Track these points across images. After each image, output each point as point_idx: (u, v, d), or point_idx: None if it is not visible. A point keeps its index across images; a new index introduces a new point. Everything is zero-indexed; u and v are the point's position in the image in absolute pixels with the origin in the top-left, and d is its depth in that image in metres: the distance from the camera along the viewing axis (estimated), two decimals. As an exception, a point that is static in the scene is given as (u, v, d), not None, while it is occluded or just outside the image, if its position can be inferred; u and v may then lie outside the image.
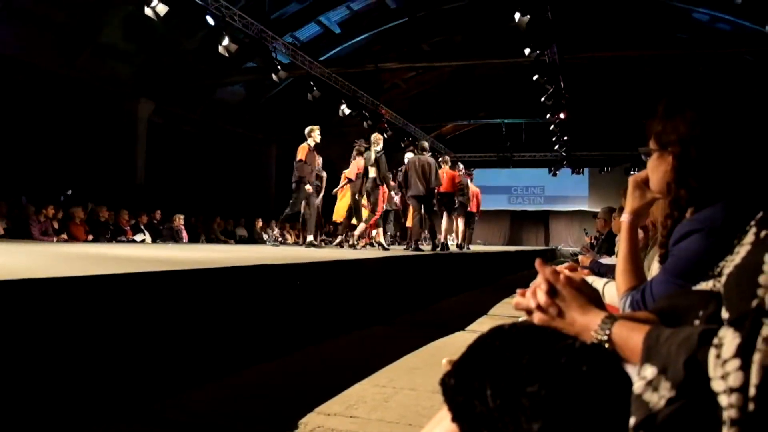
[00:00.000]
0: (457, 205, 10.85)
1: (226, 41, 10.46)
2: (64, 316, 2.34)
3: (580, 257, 4.50)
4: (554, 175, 24.14)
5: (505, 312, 5.60)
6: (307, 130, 9.02)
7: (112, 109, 13.28)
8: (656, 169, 1.31)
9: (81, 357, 2.37)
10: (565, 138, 19.91)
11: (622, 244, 1.45)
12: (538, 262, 1.05)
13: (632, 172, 20.61)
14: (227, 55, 10.75)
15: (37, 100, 11.87)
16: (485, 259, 11.12)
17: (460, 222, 11.37)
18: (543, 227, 27.11)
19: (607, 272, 3.37)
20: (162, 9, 9.23)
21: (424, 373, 3.13)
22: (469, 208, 11.55)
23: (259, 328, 3.57)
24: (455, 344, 3.87)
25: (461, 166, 12.40)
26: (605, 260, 3.94)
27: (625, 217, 1.47)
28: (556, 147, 20.81)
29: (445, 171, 10.12)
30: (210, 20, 10.15)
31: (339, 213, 9.95)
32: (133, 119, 13.42)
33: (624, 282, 1.39)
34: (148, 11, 9.23)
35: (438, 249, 9.34)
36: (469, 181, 12.08)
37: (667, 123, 1.26)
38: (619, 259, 1.45)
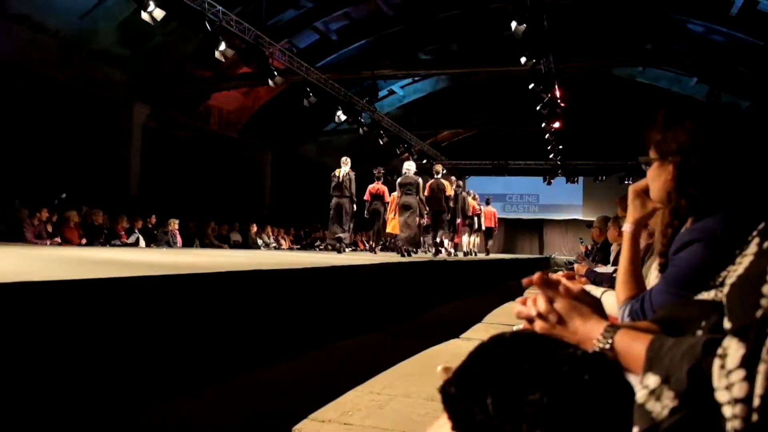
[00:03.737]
0: (477, 226, 14.60)
1: (222, 47, 10.46)
2: (58, 319, 2.32)
3: (575, 266, 4.49)
4: (549, 183, 24.20)
5: (500, 319, 5.58)
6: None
7: (107, 114, 13.25)
8: (656, 179, 1.31)
9: (74, 361, 2.35)
10: (560, 147, 19.97)
11: (623, 253, 1.44)
12: (536, 278, 1.04)
13: (627, 182, 20.77)
14: (223, 60, 10.74)
15: (32, 104, 11.83)
16: (480, 266, 11.14)
17: (477, 236, 15.15)
18: (537, 235, 27.14)
19: (603, 281, 3.37)
20: (159, 14, 9.20)
21: (419, 380, 3.11)
22: (486, 225, 15.23)
23: (252, 335, 3.55)
24: (450, 351, 3.85)
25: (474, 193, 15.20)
26: (600, 269, 3.95)
27: (626, 227, 1.46)
28: (550, 155, 20.87)
29: (469, 200, 13.65)
30: (207, 25, 10.14)
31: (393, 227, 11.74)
32: (127, 124, 13.37)
33: (624, 291, 1.39)
34: (144, 16, 9.20)
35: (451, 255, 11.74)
36: (483, 205, 15.26)
37: (667, 133, 1.26)
38: (620, 269, 1.44)
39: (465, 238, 14.31)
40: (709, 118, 1.23)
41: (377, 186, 11.08)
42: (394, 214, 10.91)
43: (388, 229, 11.75)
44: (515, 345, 0.91)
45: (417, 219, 10.27)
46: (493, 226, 15.78)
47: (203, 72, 13.84)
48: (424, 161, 21.52)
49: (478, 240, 15.29)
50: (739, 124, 1.22)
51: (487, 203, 15.87)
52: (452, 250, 12.71)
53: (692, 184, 1.20)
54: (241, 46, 11.36)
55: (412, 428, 2.38)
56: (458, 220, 12.76)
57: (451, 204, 11.67)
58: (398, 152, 19.34)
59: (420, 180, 10.34)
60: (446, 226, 11.42)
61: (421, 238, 11.37)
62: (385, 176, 11.43)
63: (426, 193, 10.71)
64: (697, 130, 1.21)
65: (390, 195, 11.23)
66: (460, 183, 13.26)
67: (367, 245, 12.41)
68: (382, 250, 11.34)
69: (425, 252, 11.71)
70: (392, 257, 9.24)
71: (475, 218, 14.44)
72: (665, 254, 1.26)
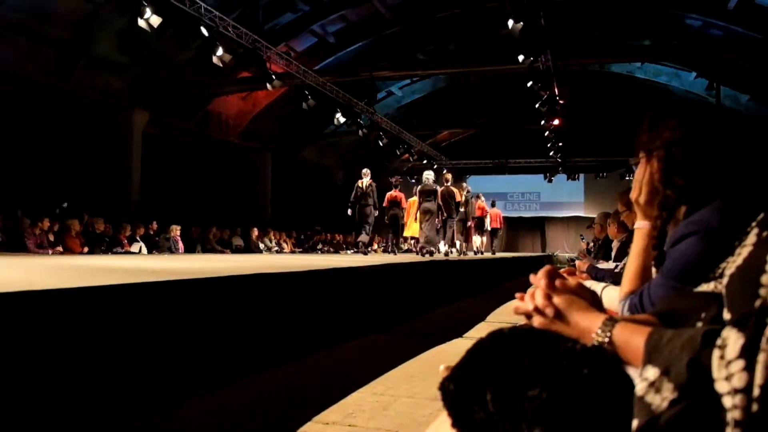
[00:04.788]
0: (485, 227, 15.49)
1: (220, 52, 10.47)
2: (64, 326, 2.32)
3: (577, 263, 4.49)
4: (550, 181, 24.19)
5: (503, 318, 5.59)
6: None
7: (107, 121, 13.26)
8: (643, 175, 1.34)
9: (78, 368, 2.35)
10: (560, 144, 19.95)
11: (635, 249, 1.41)
12: (534, 276, 1.05)
13: (627, 178, 20.71)
14: (221, 65, 10.76)
15: (32, 113, 11.85)
16: (483, 266, 11.14)
17: (484, 236, 15.94)
18: (539, 233, 27.10)
19: (604, 277, 3.36)
20: (155, 20, 9.22)
21: (422, 381, 3.11)
22: (492, 225, 16.00)
23: (255, 339, 3.55)
24: (453, 351, 3.85)
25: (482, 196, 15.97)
26: (602, 265, 3.94)
27: (641, 224, 1.43)
28: (551, 153, 20.85)
29: (477, 203, 14.67)
30: (204, 31, 10.15)
31: (412, 230, 13.04)
32: (128, 130, 13.39)
33: (628, 285, 1.38)
34: (141, 23, 9.22)
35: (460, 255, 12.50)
36: (487, 205, 15.76)
37: (652, 133, 1.30)
38: (629, 264, 1.42)
39: (477, 239, 15.27)
40: (690, 113, 1.28)
41: (395, 193, 12.45)
42: (415, 218, 11.94)
43: (406, 233, 12.87)
44: (513, 341, 0.91)
45: (436, 222, 11.42)
46: (498, 226, 16.72)
47: (202, 77, 13.85)
48: (425, 161, 21.55)
49: (485, 240, 16.18)
50: (721, 118, 1.26)
51: (493, 205, 16.61)
52: (464, 250, 13.59)
53: (677, 174, 1.23)
54: (239, 51, 11.37)
55: (416, 429, 2.38)
56: (469, 223, 14.03)
57: (462, 209, 12.66)
58: (398, 153, 19.35)
59: (438, 187, 11.46)
60: (456, 228, 12.50)
61: (438, 241, 12.30)
62: (402, 184, 12.66)
63: (438, 200, 11.60)
64: (679, 125, 1.25)
65: (407, 201, 12.46)
66: (469, 189, 14.39)
67: (383, 247, 14.38)
68: (401, 252, 12.42)
69: (439, 253, 12.27)
70: (400, 258, 9.29)
71: (485, 219, 15.31)
72: (657, 247, 1.27)
